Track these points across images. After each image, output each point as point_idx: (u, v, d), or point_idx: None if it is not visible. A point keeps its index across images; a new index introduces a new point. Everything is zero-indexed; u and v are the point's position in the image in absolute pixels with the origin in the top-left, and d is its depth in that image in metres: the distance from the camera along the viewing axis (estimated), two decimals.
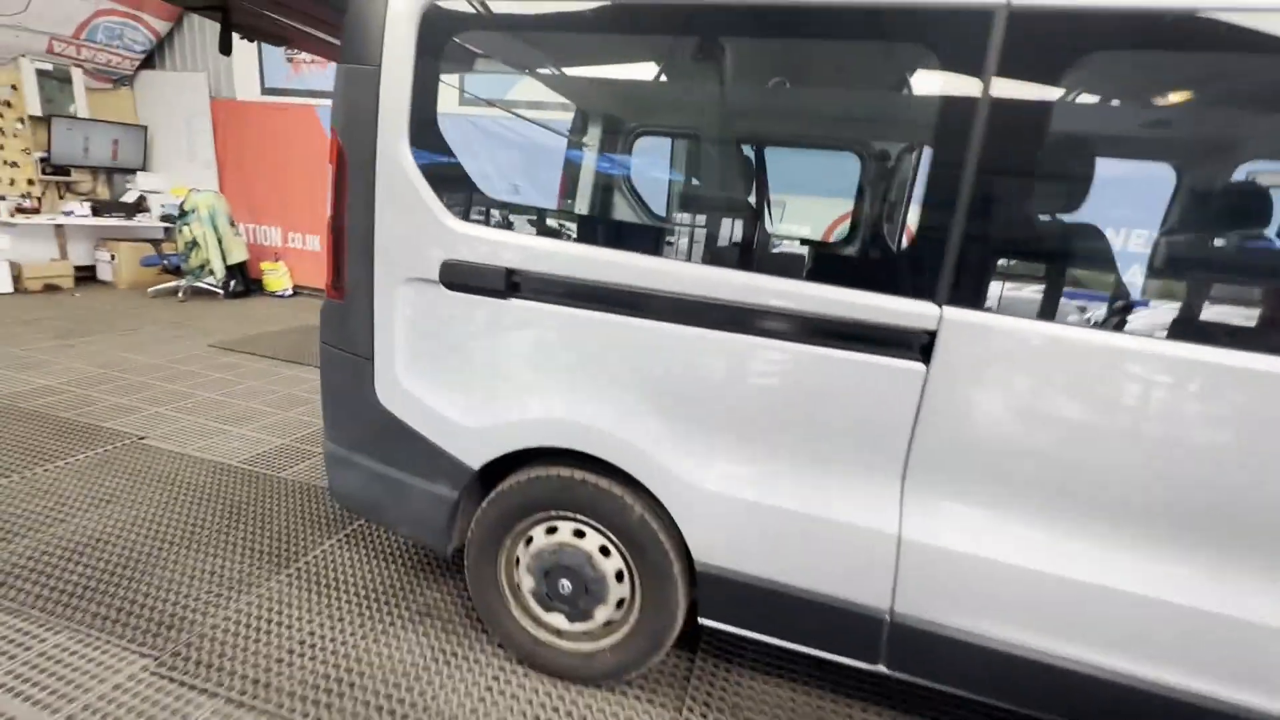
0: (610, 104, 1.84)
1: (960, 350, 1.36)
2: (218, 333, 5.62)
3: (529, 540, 1.84)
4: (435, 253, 1.70)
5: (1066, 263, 1.42)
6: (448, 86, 1.66)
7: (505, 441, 1.74)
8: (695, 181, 1.79)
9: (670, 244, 1.63)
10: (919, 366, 1.41)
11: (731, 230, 1.66)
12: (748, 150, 1.81)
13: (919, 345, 1.40)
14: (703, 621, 1.74)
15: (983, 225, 1.31)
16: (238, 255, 6.90)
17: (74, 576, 2.17)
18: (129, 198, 7.34)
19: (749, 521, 1.61)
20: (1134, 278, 1.63)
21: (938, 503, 1.46)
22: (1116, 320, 1.28)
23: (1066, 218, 1.41)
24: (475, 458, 1.79)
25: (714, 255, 1.54)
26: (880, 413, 1.46)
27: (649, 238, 1.68)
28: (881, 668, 1.60)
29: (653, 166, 1.77)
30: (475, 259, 1.66)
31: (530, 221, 1.83)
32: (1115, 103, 1.26)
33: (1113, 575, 1.32)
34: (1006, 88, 1.26)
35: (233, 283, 6.91)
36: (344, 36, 1.72)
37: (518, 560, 1.87)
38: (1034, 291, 1.37)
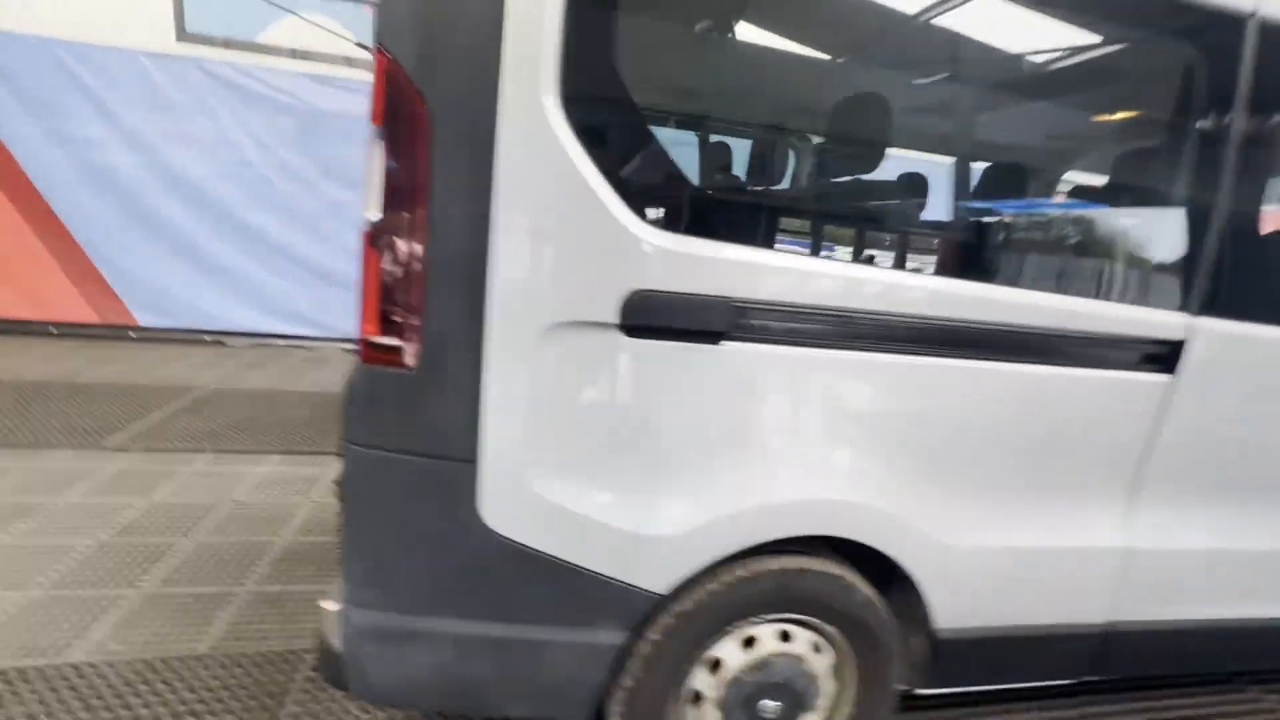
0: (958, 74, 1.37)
1: (1210, 358, 1.37)
2: None
3: (715, 665, 1.35)
4: (613, 280, 1.06)
5: None
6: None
7: (724, 543, 1.22)
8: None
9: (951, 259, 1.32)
10: (1164, 378, 1.38)
11: (990, 242, 1.41)
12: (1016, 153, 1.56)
13: (1166, 356, 1.37)
14: (923, 692, 1.51)
15: (1236, 234, 1.32)
16: None
17: None
18: None
19: (992, 570, 1.43)
20: None
21: (1169, 506, 1.47)
22: None
23: None
24: (666, 577, 1.22)
25: (980, 270, 1.28)
26: (1120, 427, 1.41)
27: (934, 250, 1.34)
28: (1087, 677, 1.59)
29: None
30: (688, 288, 1.08)
31: (778, 231, 1.27)
32: None
33: None
34: (1264, 94, 1.27)
35: None
36: None
37: (696, 696, 1.36)
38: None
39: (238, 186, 4.81)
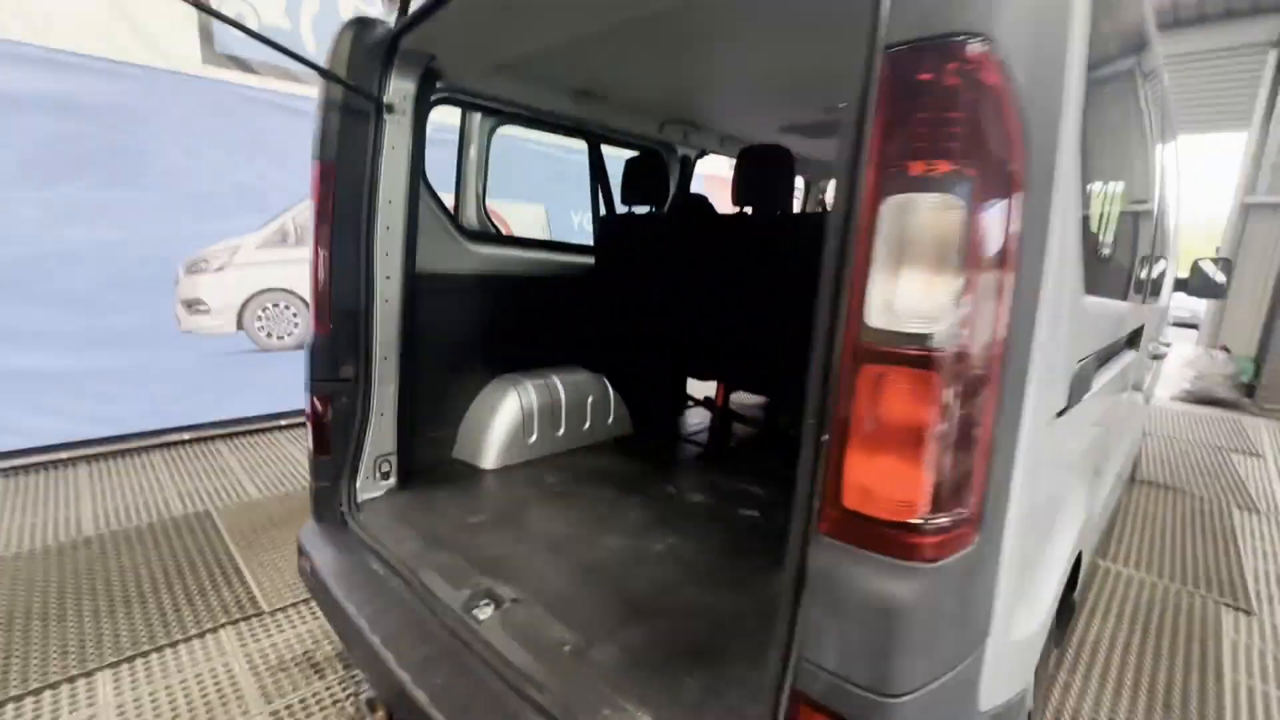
0: None
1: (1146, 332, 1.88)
2: None
3: None
4: (1072, 358, 0.86)
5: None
6: None
7: (1050, 596, 1.14)
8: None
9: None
10: (1132, 352, 1.84)
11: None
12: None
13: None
14: None
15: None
16: None
17: None
18: None
19: (1094, 520, 1.71)
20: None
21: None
22: None
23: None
24: (1025, 675, 1.08)
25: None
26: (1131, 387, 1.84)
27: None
28: None
29: None
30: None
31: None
32: None
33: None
34: None
35: None
36: None
37: None
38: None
39: None
